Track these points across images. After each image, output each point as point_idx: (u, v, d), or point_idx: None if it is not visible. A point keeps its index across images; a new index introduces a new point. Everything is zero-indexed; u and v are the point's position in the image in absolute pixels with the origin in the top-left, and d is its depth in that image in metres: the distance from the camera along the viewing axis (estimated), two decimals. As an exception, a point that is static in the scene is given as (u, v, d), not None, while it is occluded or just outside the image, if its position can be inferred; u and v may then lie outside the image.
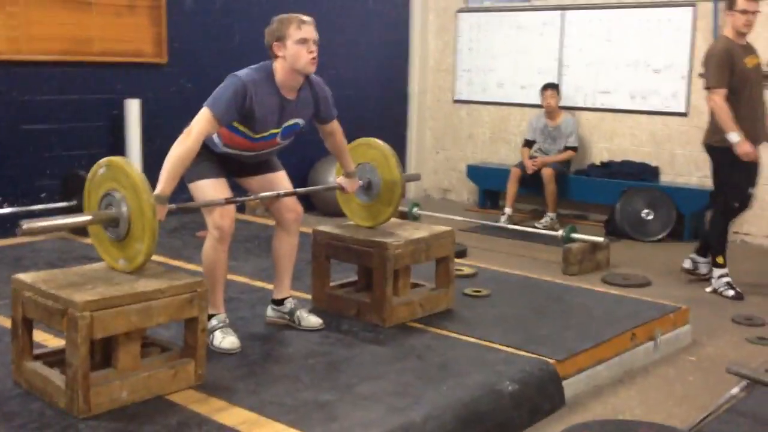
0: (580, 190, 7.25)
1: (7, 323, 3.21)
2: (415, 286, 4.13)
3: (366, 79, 8.03)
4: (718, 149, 4.95)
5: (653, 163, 7.14)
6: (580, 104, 7.50)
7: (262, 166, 3.69)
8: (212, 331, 3.46)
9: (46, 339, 3.40)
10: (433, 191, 8.72)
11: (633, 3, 7.21)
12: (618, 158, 7.32)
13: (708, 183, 6.76)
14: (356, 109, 7.81)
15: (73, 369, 2.75)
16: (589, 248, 5.62)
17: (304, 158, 7.02)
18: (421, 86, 8.52)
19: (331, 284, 4.08)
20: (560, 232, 5.83)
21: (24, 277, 2.99)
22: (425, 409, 2.92)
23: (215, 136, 3.45)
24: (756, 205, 5.52)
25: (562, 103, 7.34)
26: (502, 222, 6.89)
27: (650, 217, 6.70)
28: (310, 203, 7.38)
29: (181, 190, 3.35)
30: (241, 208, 6.53)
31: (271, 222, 5.27)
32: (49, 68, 5.80)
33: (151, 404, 2.90)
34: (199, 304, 3.01)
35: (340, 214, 4.25)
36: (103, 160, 3.04)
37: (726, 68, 4.80)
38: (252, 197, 3.75)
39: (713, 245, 5.12)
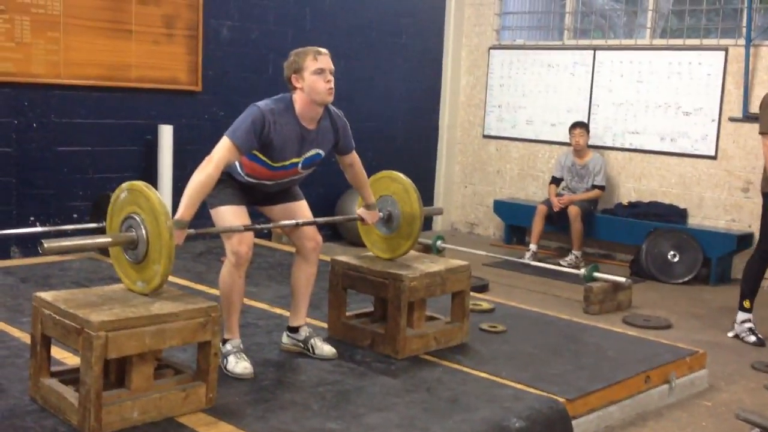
0: (607, 230, 7.23)
1: (29, 339, 3.29)
2: (431, 318, 4.16)
3: (397, 112, 8.13)
4: None
5: (681, 205, 7.11)
6: (609, 144, 7.51)
7: (284, 195, 3.76)
8: (226, 355, 3.51)
9: (66, 357, 3.48)
10: (460, 225, 8.75)
11: (664, 46, 7.23)
12: (646, 199, 7.30)
13: (736, 227, 6.77)
14: (386, 141, 7.93)
15: (86, 387, 2.81)
16: (611, 288, 5.59)
17: (332, 188, 7.11)
18: (452, 121, 8.60)
19: (347, 314, 4.12)
20: (582, 271, 5.82)
21: (45, 295, 3.08)
22: (430, 442, 2.93)
23: (237, 165, 3.53)
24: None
25: (591, 142, 7.36)
26: (527, 258, 6.89)
27: (676, 259, 6.65)
28: (336, 233, 7.46)
29: (201, 216, 3.42)
30: (267, 236, 6.62)
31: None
32: (86, 92, 5.98)
33: (162, 426, 2.95)
34: (212, 329, 3.07)
35: (365, 244, 4.31)
36: (125, 184, 3.13)
37: None
38: (271, 225, 3.82)
39: (744, 288, 5.05)
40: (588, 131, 7.28)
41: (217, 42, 6.66)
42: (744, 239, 6.62)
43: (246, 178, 3.58)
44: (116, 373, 3.03)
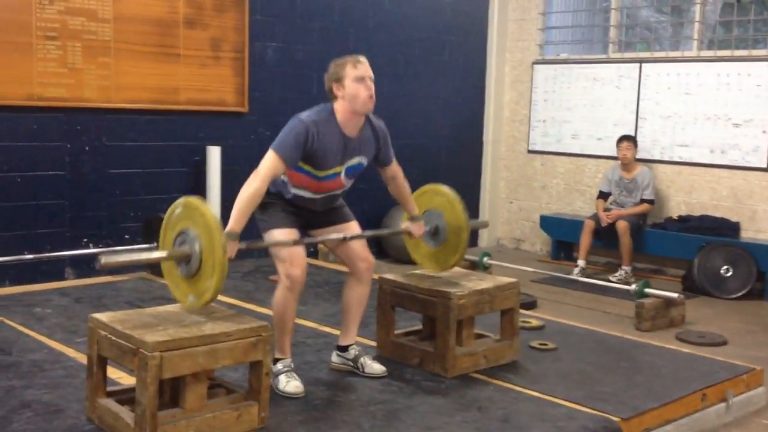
0: (657, 244, 7.12)
1: (85, 359, 3.35)
2: (480, 336, 4.13)
3: (442, 127, 8.14)
4: None
5: (733, 219, 6.97)
6: (657, 157, 7.41)
7: (334, 216, 3.77)
8: (278, 374, 3.53)
9: (121, 377, 3.53)
10: (506, 241, 8.70)
11: (712, 57, 7.12)
12: (696, 212, 7.18)
13: (790, 241, 6.62)
14: (431, 156, 7.94)
15: (141, 407, 2.85)
16: (663, 304, 5.50)
17: (378, 204, 7.12)
18: (496, 136, 8.57)
19: (396, 332, 4.12)
20: (633, 287, 5.73)
21: (101, 316, 3.14)
22: (483, 462, 2.91)
23: (285, 180, 3.57)
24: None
25: (639, 156, 7.27)
26: (575, 274, 6.81)
27: (729, 274, 6.52)
28: (382, 250, 7.47)
29: (248, 231, 3.45)
30: (314, 254, 6.66)
31: (342, 268, 5.36)
32: (136, 116, 6.10)
33: (215, 445, 2.98)
34: (263, 348, 3.09)
35: (411, 261, 4.31)
36: (180, 200, 3.18)
37: None
38: (319, 239, 3.82)
39: None
40: (636, 145, 7.20)
41: (262, 63, 6.74)
42: (799, 253, 6.47)
43: (293, 190, 3.60)
44: (170, 392, 3.06)
